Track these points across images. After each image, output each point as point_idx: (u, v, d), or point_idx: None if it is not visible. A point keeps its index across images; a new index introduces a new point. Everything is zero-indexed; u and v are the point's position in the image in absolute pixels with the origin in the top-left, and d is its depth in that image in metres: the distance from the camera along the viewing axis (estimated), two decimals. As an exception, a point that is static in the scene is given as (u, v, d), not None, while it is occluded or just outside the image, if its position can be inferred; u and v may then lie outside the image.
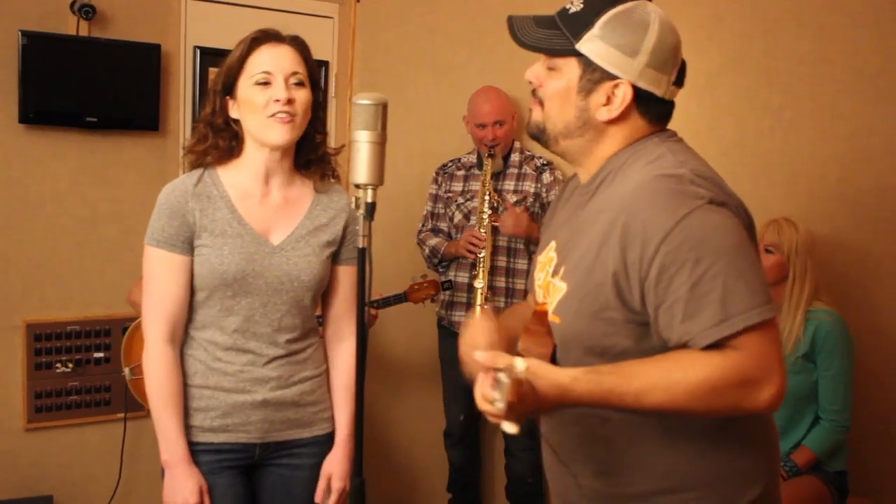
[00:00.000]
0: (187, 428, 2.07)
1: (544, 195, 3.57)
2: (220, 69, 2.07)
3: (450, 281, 3.60)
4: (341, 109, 4.09)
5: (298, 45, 2.07)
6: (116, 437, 3.49)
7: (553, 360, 1.62)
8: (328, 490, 2.18)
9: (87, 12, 3.28)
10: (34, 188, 3.38)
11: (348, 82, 4.10)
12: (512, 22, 1.62)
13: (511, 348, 1.68)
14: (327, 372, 2.26)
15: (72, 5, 3.29)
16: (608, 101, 1.54)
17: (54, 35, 3.28)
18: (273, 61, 2.01)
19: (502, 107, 3.55)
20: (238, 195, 2.08)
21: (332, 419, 2.23)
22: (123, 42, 3.39)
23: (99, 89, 3.36)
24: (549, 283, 1.63)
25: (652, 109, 1.57)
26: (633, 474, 1.55)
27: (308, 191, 2.16)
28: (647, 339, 1.47)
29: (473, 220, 3.58)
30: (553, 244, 1.68)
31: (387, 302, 3.42)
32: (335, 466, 2.18)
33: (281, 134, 2.01)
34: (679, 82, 1.59)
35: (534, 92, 1.64)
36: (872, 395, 2.99)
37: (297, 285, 2.09)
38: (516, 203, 3.52)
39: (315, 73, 2.10)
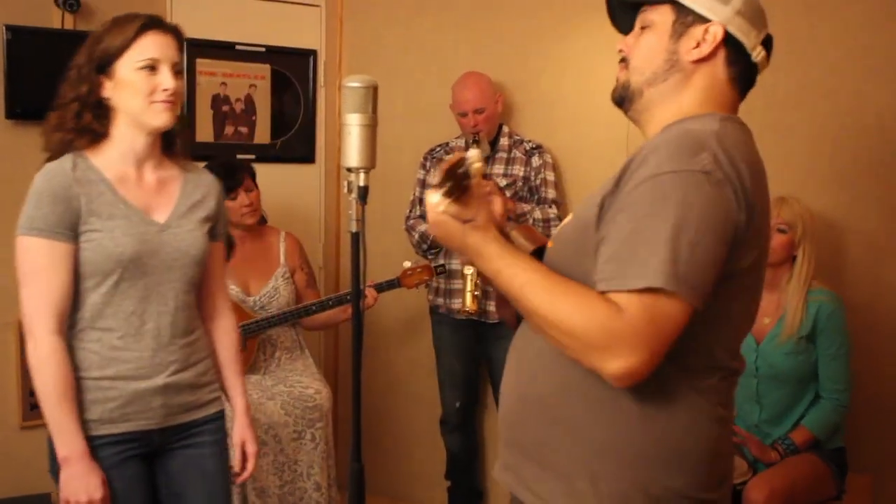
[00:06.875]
0: (84, 423, 2.01)
1: (533, 179, 3.55)
2: (90, 46, 2.07)
3: (443, 265, 3.56)
4: (330, 98, 4.07)
5: (178, 35, 2.12)
6: (113, 432, 3.47)
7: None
8: (244, 458, 2.31)
9: (72, 5, 3.26)
10: (23, 184, 3.29)
11: (337, 70, 4.08)
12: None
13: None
14: (213, 354, 2.29)
15: (56, -2, 3.27)
16: (698, 45, 1.55)
17: (39, 29, 3.25)
18: (160, 49, 2.04)
19: (481, 94, 3.53)
20: (115, 178, 2.08)
21: (220, 399, 2.28)
22: (109, 34, 3.36)
23: (85, 83, 3.32)
24: None
25: (738, 62, 1.57)
26: (559, 451, 1.52)
27: (176, 171, 2.19)
28: None
29: None
30: None
31: (380, 287, 3.40)
32: (245, 433, 2.31)
33: (165, 118, 2.05)
34: (766, 46, 1.61)
35: (621, 60, 1.65)
36: (868, 372, 2.99)
37: (188, 261, 2.12)
38: (506, 186, 3.51)
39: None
